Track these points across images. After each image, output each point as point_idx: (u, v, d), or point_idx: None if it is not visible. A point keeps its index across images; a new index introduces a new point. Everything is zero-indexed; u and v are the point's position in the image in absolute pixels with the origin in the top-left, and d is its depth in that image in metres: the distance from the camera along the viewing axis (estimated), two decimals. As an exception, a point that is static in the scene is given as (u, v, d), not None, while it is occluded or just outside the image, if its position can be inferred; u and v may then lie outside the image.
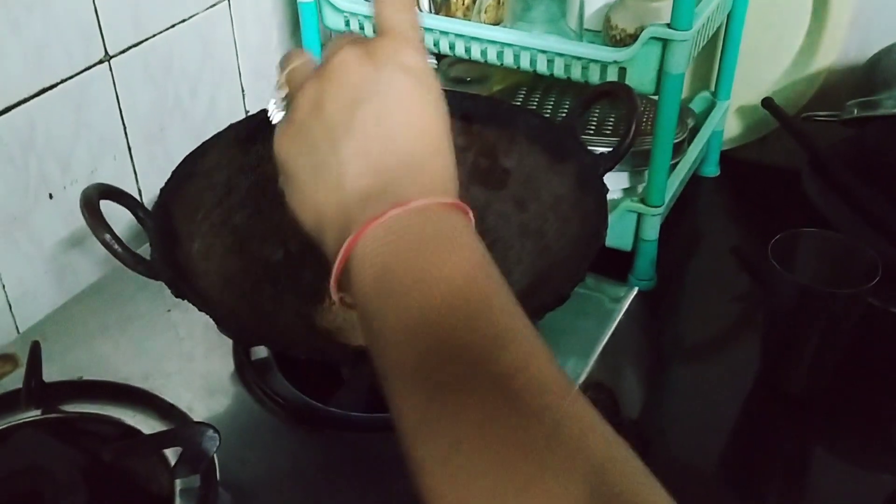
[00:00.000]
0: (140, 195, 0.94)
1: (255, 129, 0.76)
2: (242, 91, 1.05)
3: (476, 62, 0.93)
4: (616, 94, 0.73)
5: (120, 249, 0.57)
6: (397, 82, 0.42)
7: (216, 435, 0.60)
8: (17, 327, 0.84)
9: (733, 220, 1.14)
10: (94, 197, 0.59)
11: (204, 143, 0.72)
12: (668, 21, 0.82)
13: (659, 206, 0.90)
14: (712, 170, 1.15)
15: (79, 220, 0.87)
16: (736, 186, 1.15)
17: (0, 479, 0.61)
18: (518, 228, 0.73)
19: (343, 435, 0.66)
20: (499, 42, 0.90)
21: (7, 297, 0.82)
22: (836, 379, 0.81)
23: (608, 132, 0.94)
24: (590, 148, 0.72)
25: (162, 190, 0.67)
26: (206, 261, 0.66)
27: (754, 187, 1.14)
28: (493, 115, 0.78)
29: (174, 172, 0.68)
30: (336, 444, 0.66)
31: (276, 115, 0.50)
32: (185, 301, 0.75)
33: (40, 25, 0.79)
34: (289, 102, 0.46)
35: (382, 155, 0.41)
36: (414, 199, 0.40)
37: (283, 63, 0.47)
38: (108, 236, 0.57)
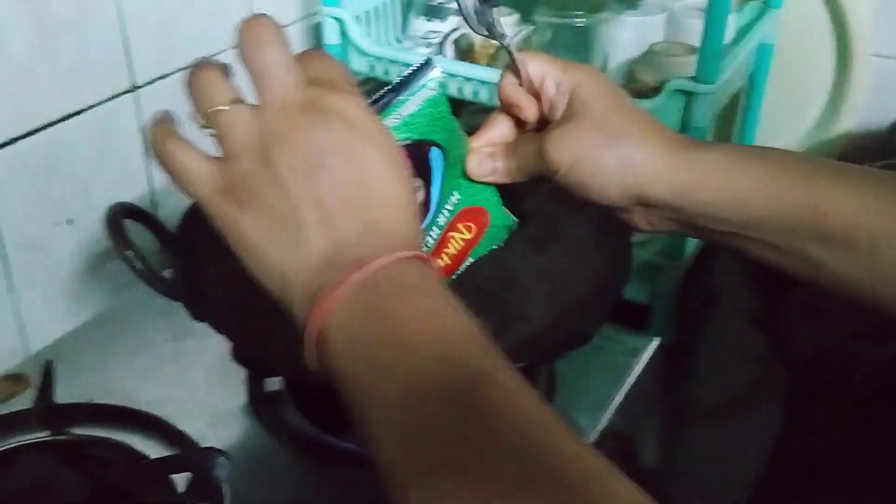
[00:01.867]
0: (158, 226, 0.94)
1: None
2: (265, 129, 1.05)
3: (499, 109, 0.94)
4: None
5: (141, 267, 0.57)
6: (346, 142, 0.41)
7: (227, 462, 0.58)
8: (27, 351, 0.83)
9: (752, 277, 1.14)
10: (119, 214, 0.58)
11: (229, 172, 0.72)
12: (692, 74, 0.83)
13: (678, 260, 0.90)
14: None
15: (95, 247, 0.88)
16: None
17: (6, 499, 0.60)
18: (536, 270, 0.72)
19: (355, 471, 0.65)
20: (524, 89, 0.90)
21: (21, 319, 0.82)
22: (861, 440, 0.79)
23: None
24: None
25: (184, 215, 0.67)
26: (223, 286, 0.65)
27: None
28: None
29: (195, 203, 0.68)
30: (348, 481, 0.65)
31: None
32: (198, 330, 0.75)
33: (72, 50, 0.79)
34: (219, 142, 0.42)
35: (342, 219, 0.41)
36: (371, 260, 0.40)
37: (200, 90, 0.42)
38: (130, 253, 0.56)
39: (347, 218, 0.41)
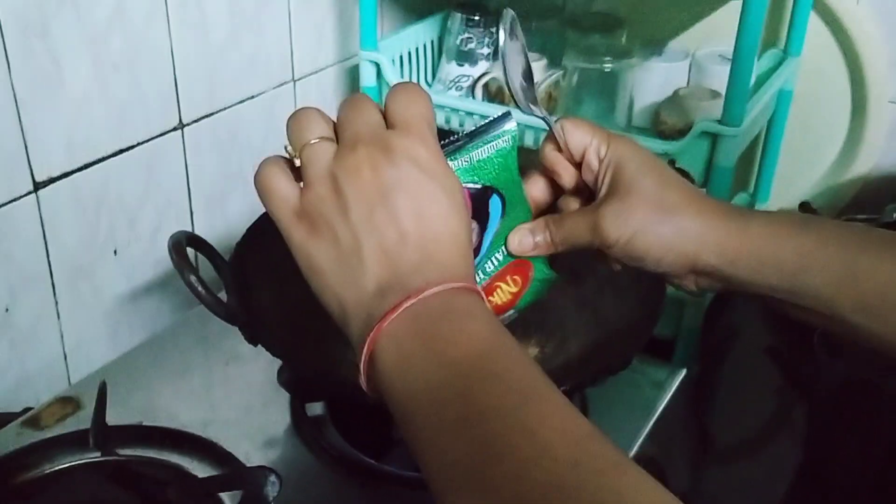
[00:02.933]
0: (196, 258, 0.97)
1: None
2: (299, 167, 1.09)
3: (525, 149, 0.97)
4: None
5: (203, 291, 0.60)
6: (411, 180, 0.45)
7: (277, 480, 0.61)
8: (69, 377, 0.86)
9: (771, 315, 1.16)
10: (182, 241, 0.62)
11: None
12: (718, 117, 0.86)
13: (702, 295, 0.92)
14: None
15: (139, 278, 0.91)
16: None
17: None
18: (574, 300, 0.75)
19: (397, 492, 0.67)
20: (553, 130, 0.94)
21: (64, 345, 0.85)
22: (884, 473, 0.81)
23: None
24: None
25: (238, 244, 0.70)
26: (275, 311, 0.68)
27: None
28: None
29: (249, 229, 0.71)
30: (386, 501, 0.67)
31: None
32: (242, 356, 0.78)
33: (126, 88, 0.83)
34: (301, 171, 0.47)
35: (399, 250, 0.44)
36: (427, 288, 0.43)
37: (297, 127, 0.47)
38: (193, 277, 0.59)
39: (405, 249, 0.44)
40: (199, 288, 0.59)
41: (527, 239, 0.58)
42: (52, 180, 0.80)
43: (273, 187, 0.46)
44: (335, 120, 0.48)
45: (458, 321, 0.43)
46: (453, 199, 0.46)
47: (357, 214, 0.44)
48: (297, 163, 0.46)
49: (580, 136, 0.56)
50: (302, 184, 0.46)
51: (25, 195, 0.78)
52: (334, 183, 0.45)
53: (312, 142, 0.46)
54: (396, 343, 0.42)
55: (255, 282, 0.68)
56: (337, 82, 1.10)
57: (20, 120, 0.75)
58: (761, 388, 1.01)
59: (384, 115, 0.47)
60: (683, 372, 0.80)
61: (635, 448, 0.72)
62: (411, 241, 0.44)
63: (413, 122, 0.46)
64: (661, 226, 0.54)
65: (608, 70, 0.97)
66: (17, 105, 0.75)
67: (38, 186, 0.78)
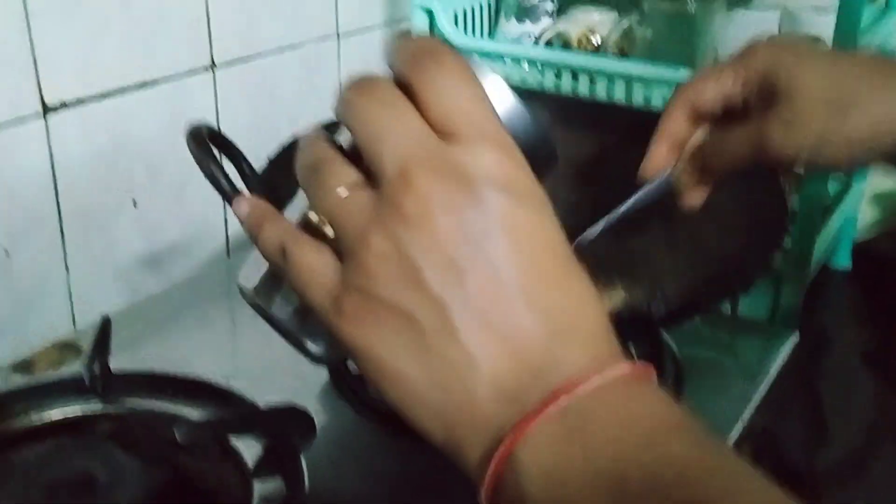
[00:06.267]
0: (226, 222, 0.86)
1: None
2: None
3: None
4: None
5: (227, 186, 0.49)
6: (503, 214, 0.31)
7: (312, 426, 0.49)
8: (74, 323, 0.74)
9: (864, 321, 1.03)
10: (203, 130, 0.51)
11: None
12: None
13: (804, 269, 0.80)
14: (843, 262, 1.04)
15: (158, 237, 0.81)
16: (870, 282, 1.03)
17: (49, 480, 0.51)
18: (665, 240, 0.63)
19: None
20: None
21: (71, 294, 0.73)
22: None
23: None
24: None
25: (271, 159, 0.59)
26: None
27: (893, 285, 1.03)
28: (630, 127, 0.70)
29: (287, 147, 0.61)
30: (437, 463, 0.54)
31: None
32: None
33: (151, 13, 0.74)
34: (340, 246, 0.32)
35: (514, 322, 0.31)
36: (582, 380, 0.30)
37: (312, 179, 0.33)
38: (213, 167, 0.48)
39: (524, 321, 0.31)
40: (222, 181, 0.48)
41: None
42: (64, 106, 0.70)
43: (305, 266, 0.33)
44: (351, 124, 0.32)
45: (633, 436, 0.30)
46: (559, 233, 0.32)
47: (438, 285, 0.30)
48: (329, 231, 0.33)
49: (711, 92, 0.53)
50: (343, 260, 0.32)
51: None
52: (390, 244, 0.31)
53: (341, 195, 0.32)
54: (543, 461, 0.29)
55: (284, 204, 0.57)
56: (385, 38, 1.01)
57: (29, 29, 0.66)
58: (852, 395, 0.89)
59: (422, 111, 0.32)
60: (796, 335, 0.67)
61: (746, 417, 0.59)
62: (533, 305, 0.31)
63: (481, 122, 0.32)
64: (846, 122, 0.49)
65: (690, 14, 0.86)
66: (27, 16, 0.66)
67: (47, 110, 0.69)
